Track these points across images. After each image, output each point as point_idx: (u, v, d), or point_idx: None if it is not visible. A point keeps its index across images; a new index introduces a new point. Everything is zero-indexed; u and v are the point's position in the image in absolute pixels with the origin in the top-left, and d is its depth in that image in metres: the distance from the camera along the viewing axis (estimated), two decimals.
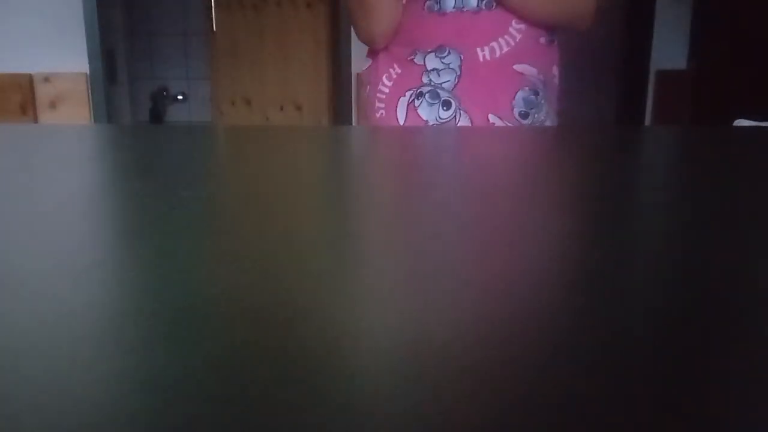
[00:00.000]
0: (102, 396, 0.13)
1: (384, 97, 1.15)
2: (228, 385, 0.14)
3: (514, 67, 1.09)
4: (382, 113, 1.15)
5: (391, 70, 1.14)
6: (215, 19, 3.74)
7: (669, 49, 2.85)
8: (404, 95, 1.13)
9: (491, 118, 1.10)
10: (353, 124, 2.91)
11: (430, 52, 1.09)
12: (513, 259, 0.23)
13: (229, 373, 0.14)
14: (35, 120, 2.92)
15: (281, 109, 3.77)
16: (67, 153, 0.52)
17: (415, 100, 1.11)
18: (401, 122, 1.13)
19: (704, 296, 0.20)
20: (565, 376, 0.14)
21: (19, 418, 0.12)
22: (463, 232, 0.27)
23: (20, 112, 2.95)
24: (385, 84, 1.15)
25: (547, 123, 1.15)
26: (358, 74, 2.88)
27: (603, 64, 3.04)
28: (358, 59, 2.79)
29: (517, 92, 1.10)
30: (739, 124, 1.09)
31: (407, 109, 1.13)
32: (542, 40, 1.11)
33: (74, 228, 0.28)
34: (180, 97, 4.12)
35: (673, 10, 2.81)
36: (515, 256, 0.24)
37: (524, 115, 1.10)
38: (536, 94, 1.11)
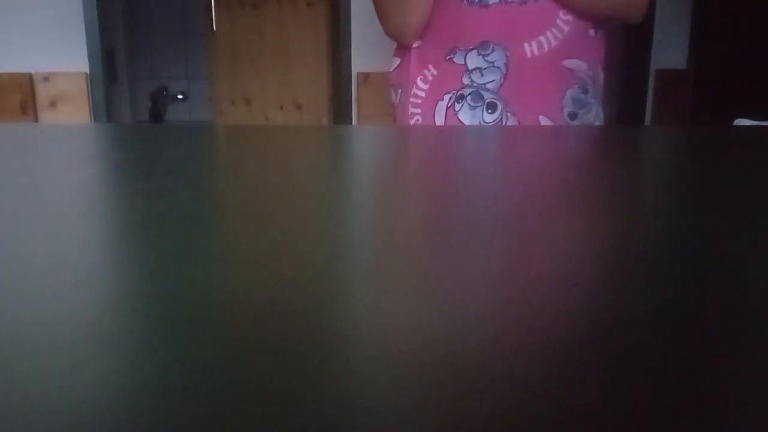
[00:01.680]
0: (102, 396, 0.13)
1: (419, 101, 1.04)
2: (228, 385, 0.14)
3: (564, 62, 0.98)
4: (417, 119, 1.03)
5: (425, 71, 1.03)
6: (215, 19, 3.74)
7: (669, 49, 2.85)
8: (442, 99, 1.02)
9: (542, 120, 0.99)
10: (353, 123, 2.91)
11: (471, 49, 0.98)
12: (513, 259, 0.23)
13: (230, 374, 0.14)
14: (35, 119, 2.92)
15: (281, 108, 3.77)
16: (67, 152, 0.52)
17: (456, 104, 1.00)
18: (440, 125, 1.01)
19: (705, 296, 0.20)
20: (576, 378, 0.14)
21: (19, 418, 0.12)
22: (466, 233, 0.27)
23: (20, 112, 2.95)
24: (420, 87, 1.03)
25: (596, 124, 1.03)
26: (358, 73, 2.88)
27: (603, 63, 3.03)
28: (358, 59, 2.79)
29: (567, 90, 0.99)
30: (739, 124, 1.09)
31: (446, 114, 1.01)
32: (591, 32, 1.00)
33: (74, 227, 0.28)
34: (180, 97, 4.12)
35: (673, 10, 2.81)
36: (515, 256, 0.24)
37: (573, 116, 1.00)
38: (585, 92, 1.01)
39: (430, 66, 1.02)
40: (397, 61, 1.08)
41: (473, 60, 0.99)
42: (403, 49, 1.05)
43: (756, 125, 1.07)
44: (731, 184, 0.39)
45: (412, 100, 1.05)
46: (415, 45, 1.03)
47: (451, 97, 1.01)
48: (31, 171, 0.43)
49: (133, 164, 0.46)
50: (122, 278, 0.21)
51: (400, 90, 1.08)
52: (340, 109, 3.42)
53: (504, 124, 0.98)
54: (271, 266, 0.22)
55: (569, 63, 0.99)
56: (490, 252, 0.24)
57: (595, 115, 1.02)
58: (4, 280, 0.21)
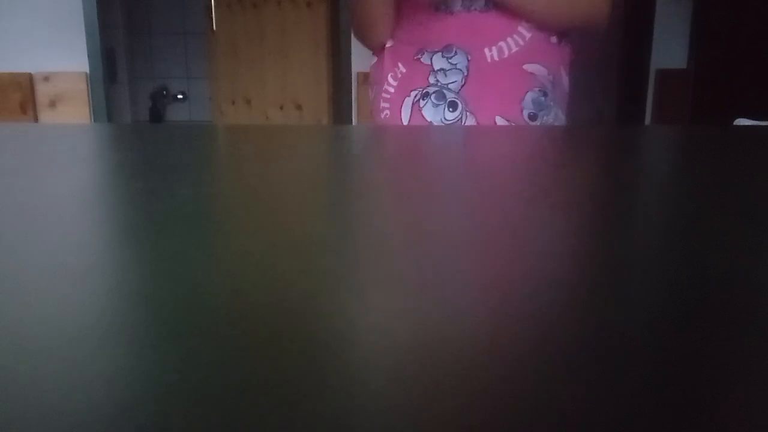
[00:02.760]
0: (101, 396, 0.13)
1: (389, 97, 1.12)
2: (230, 385, 0.14)
3: (524, 67, 1.05)
4: (387, 113, 1.11)
5: (396, 69, 1.10)
6: (215, 19, 3.74)
7: (669, 48, 2.85)
8: (409, 95, 1.09)
9: (498, 120, 1.06)
10: (353, 123, 2.91)
11: (437, 51, 1.06)
12: (512, 260, 0.23)
13: (231, 374, 0.14)
14: (35, 119, 2.92)
15: (281, 108, 3.77)
16: (66, 152, 0.52)
17: (420, 101, 1.08)
18: (405, 123, 1.09)
19: (705, 297, 0.20)
20: (575, 378, 0.14)
21: (20, 418, 0.12)
22: (465, 231, 0.27)
23: (20, 112, 2.95)
24: (391, 84, 1.11)
25: (552, 122, 1.11)
26: (358, 73, 2.88)
27: (603, 63, 3.04)
28: (358, 59, 2.79)
29: (526, 93, 1.06)
30: (739, 123, 1.09)
31: (412, 110, 1.09)
32: (553, 39, 1.07)
33: (74, 227, 0.28)
34: (180, 97, 4.12)
35: (673, 9, 2.81)
36: (514, 256, 0.24)
37: (533, 117, 1.06)
38: (545, 95, 1.07)
39: (400, 64, 1.10)
40: (375, 59, 1.16)
41: (438, 61, 1.06)
42: (380, 49, 1.13)
43: (756, 125, 1.07)
44: (731, 184, 0.39)
45: (383, 95, 1.12)
46: (388, 45, 1.11)
47: (417, 94, 1.08)
48: (30, 171, 0.43)
49: (133, 164, 0.46)
50: (122, 278, 0.21)
51: (375, 86, 1.15)
52: (340, 109, 3.42)
53: (463, 122, 1.06)
54: (271, 266, 0.22)
55: (529, 67, 1.05)
56: (490, 252, 0.24)
57: (554, 118, 1.08)
58: (3, 279, 0.21)
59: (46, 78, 2.94)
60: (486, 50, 1.04)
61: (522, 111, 1.06)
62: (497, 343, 0.16)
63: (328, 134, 0.69)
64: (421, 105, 1.08)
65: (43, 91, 2.96)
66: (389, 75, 1.11)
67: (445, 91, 1.06)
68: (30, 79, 2.94)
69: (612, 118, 3.03)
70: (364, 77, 2.68)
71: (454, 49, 1.05)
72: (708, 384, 0.14)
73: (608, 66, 3.06)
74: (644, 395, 0.13)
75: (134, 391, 0.14)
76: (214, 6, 3.72)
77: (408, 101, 1.09)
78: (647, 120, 2.88)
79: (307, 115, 3.72)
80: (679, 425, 0.12)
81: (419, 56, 1.07)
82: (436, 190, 0.37)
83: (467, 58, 1.05)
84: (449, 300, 0.19)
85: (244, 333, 0.17)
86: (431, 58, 1.07)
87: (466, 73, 1.05)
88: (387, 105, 1.11)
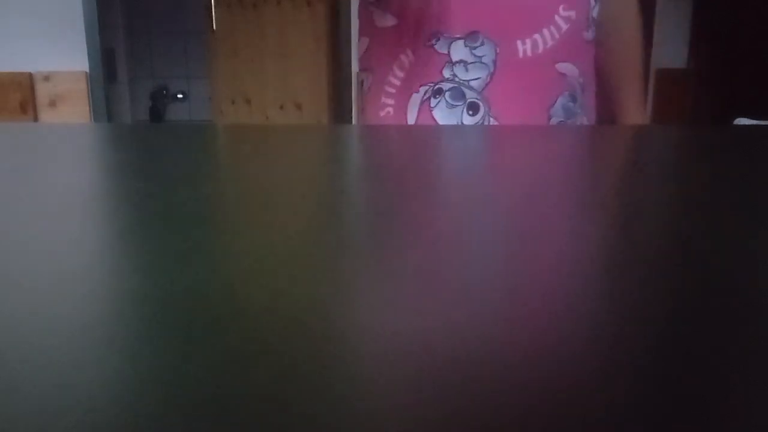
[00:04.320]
0: (101, 396, 0.13)
1: (393, 91, 0.87)
2: (229, 385, 0.14)
3: (556, 66, 0.85)
4: (389, 111, 0.88)
5: (402, 56, 0.86)
6: (215, 18, 3.74)
7: (669, 48, 2.85)
8: (418, 91, 0.85)
9: None
10: (353, 122, 2.91)
11: (457, 38, 0.83)
12: (511, 259, 0.23)
13: (232, 374, 0.14)
14: (35, 119, 2.92)
15: (281, 107, 3.77)
16: (66, 152, 0.52)
17: (432, 99, 0.85)
18: (410, 121, 0.88)
19: (704, 297, 0.20)
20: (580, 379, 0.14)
21: (19, 418, 0.12)
22: (468, 235, 0.27)
23: (20, 111, 2.95)
24: (396, 74, 0.87)
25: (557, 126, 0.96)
26: (357, 73, 2.89)
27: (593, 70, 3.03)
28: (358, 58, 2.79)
29: (557, 98, 0.86)
30: (739, 123, 1.09)
31: (420, 110, 0.86)
32: (586, 34, 0.88)
33: (73, 227, 0.28)
34: (180, 96, 4.12)
35: (673, 9, 2.81)
36: (514, 256, 0.24)
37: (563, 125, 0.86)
38: (574, 100, 0.88)
39: (408, 51, 0.86)
40: (365, 41, 0.91)
41: (458, 51, 0.83)
42: (372, 27, 0.89)
43: (756, 124, 1.07)
44: (731, 183, 0.39)
45: (386, 88, 0.88)
46: (390, 23, 0.87)
47: (427, 91, 0.85)
48: (30, 170, 0.43)
49: (133, 164, 0.46)
50: (121, 278, 0.21)
51: (370, 76, 0.91)
52: (339, 109, 3.42)
53: None
54: (270, 266, 0.22)
55: (561, 67, 0.86)
56: (490, 252, 0.24)
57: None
58: (2, 279, 0.21)
59: (46, 78, 2.94)
60: (519, 43, 0.83)
61: (549, 120, 0.88)
62: (508, 346, 0.16)
63: (329, 134, 0.69)
64: (432, 104, 0.85)
65: (43, 91, 2.96)
66: (394, 64, 0.87)
67: (464, 89, 0.84)
68: (30, 78, 2.94)
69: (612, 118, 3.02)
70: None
71: (481, 38, 0.83)
72: (715, 385, 0.14)
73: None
74: (667, 401, 0.13)
75: (134, 392, 0.13)
76: (214, 6, 3.72)
77: (416, 98, 0.86)
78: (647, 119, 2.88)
79: (307, 115, 3.72)
80: (686, 427, 0.12)
81: (433, 42, 0.84)
82: (441, 192, 0.36)
83: (495, 51, 0.83)
84: (453, 303, 0.19)
85: (244, 333, 0.17)
86: (449, 46, 0.83)
87: (492, 69, 0.83)
88: (390, 102, 0.88)
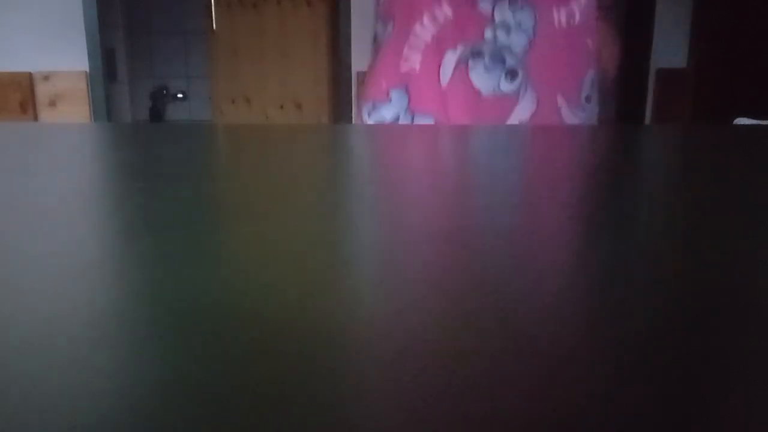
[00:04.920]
0: (101, 397, 0.13)
1: (422, 46, 0.82)
2: (229, 386, 0.14)
3: (587, 41, 0.85)
4: (413, 68, 0.82)
5: (437, 8, 0.80)
6: (215, 18, 3.74)
7: (669, 48, 2.85)
8: (455, 49, 0.80)
9: (559, 101, 0.84)
10: (353, 122, 2.91)
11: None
12: (511, 259, 0.23)
13: (232, 374, 0.14)
14: (35, 118, 2.92)
15: (281, 107, 3.77)
16: (66, 152, 0.52)
17: (470, 60, 0.80)
18: (444, 85, 0.82)
19: (705, 297, 0.19)
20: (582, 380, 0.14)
21: (19, 419, 0.12)
22: (466, 232, 0.27)
23: (20, 111, 2.95)
24: (426, 26, 0.81)
25: (597, 112, 0.91)
26: (357, 73, 2.88)
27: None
28: (358, 58, 2.79)
29: (587, 71, 0.85)
30: (739, 123, 1.09)
31: (455, 71, 0.81)
32: (596, 18, 0.88)
33: (73, 227, 0.28)
34: (180, 96, 4.12)
35: (673, 9, 2.81)
36: (513, 256, 0.24)
37: (588, 99, 0.87)
38: (598, 77, 0.89)
39: (443, 3, 0.80)
40: None
41: (502, 12, 0.80)
42: None
43: (756, 124, 1.07)
44: (732, 183, 0.39)
45: (411, 39, 0.82)
46: None
47: (464, 51, 0.80)
48: (30, 170, 0.43)
49: (133, 163, 0.46)
50: (121, 278, 0.21)
51: (390, 24, 0.85)
52: (339, 109, 3.42)
53: (520, 96, 0.82)
54: (270, 266, 0.22)
55: (590, 43, 0.86)
56: (491, 252, 0.24)
57: (597, 104, 0.91)
58: (2, 279, 0.21)
59: (46, 77, 2.94)
60: (554, 11, 0.81)
61: (580, 92, 0.86)
62: (509, 346, 0.16)
63: (329, 134, 0.69)
64: (470, 65, 0.81)
65: (43, 91, 2.95)
66: (424, 15, 0.81)
67: (505, 54, 0.81)
68: (30, 78, 2.94)
69: (612, 117, 3.03)
70: (364, 77, 2.68)
71: (520, 2, 0.80)
72: (709, 386, 0.14)
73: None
74: (667, 403, 0.13)
75: (133, 392, 0.13)
76: (214, 6, 3.72)
77: (450, 57, 0.81)
78: (647, 119, 2.88)
79: (307, 114, 3.72)
80: (680, 426, 0.12)
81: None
82: (441, 193, 0.36)
83: (534, 17, 0.80)
84: (453, 303, 0.19)
85: (244, 333, 0.16)
86: (493, 5, 0.80)
87: (532, 36, 0.81)
88: (416, 57, 0.82)
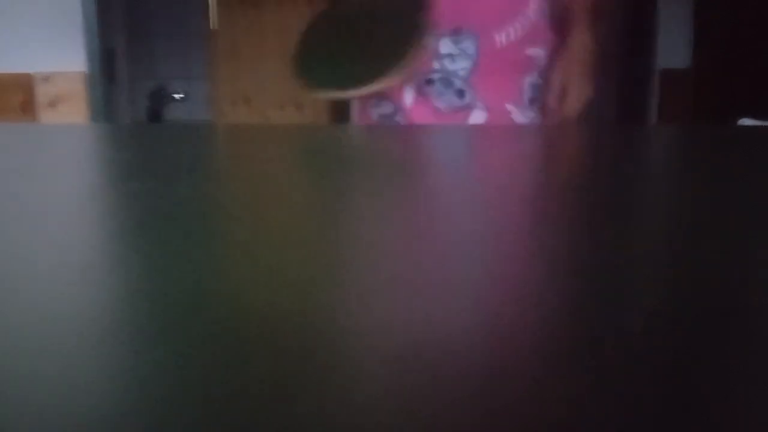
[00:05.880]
0: (101, 397, 0.13)
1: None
2: (229, 386, 0.13)
3: (527, 51, 1.00)
4: (382, 104, 1.03)
5: None
6: (215, 19, 3.75)
7: (673, 48, 2.85)
8: (411, 79, 1.00)
9: (509, 107, 1.01)
10: (353, 122, 2.92)
11: (444, 35, 0.97)
12: (510, 259, 0.23)
13: (231, 375, 0.14)
14: (35, 119, 2.92)
15: (281, 108, 3.78)
16: (66, 152, 0.52)
17: (424, 87, 1.00)
18: (408, 105, 1.02)
19: (705, 297, 0.19)
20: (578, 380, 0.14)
21: (19, 419, 0.12)
22: (472, 235, 0.27)
23: (20, 112, 2.96)
24: None
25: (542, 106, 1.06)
26: None
27: (606, 62, 3.04)
28: None
29: (526, 78, 1.02)
30: (743, 123, 1.09)
31: (416, 94, 1.01)
32: (547, 20, 1.03)
33: (72, 227, 0.28)
34: (180, 97, 4.12)
35: (676, 9, 2.81)
36: (512, 256, 0.23)
37: (533, 101, 1.03)
38: (541, 78, 1.04)
39: None
40: None
41: (446, 44, 0.98)
42: None
43: (760, 125, 1.07)
44: (735, 184, 0.39)
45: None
46: None
47: (419, 80, 1.00)
48: (30, 171, 0.43)
49: (133, 164, 0.46)
50: (121, 279, 0.21)
51: None
52: (339, 109, 3.42)
53: (472, 110, 1.00)
54: (270, 265, 0.22)
55: (531, 51, 1.01)
56: (491, 252, 0.24)
57: (542, 99, 1.06)
58: (2, 279, 0.21)
59: (46, 78, 2.94)
60: (495, 34, 0.97)
61: (523, 96, 1.02)
62: (509, 346, 0.15)
63: (329, 134, 0.69)
64: (426, 91, 1.00)
65: (42, 92, 2.96)
66: None
67: (452, 78, 0.99)
68: (30, 79, 2.95)
69: (615, 117, 3.04)
70: None
71: (464, 33, 0.97)
72: (709, 386, 0.13)
73: (612, 65, 3.06)
74: (663, 402, 0.13)
75: (133, 392, 0.13)
76: (214, 5, 3.73)
77: (409, 86, 1.01)
78: (651, 120, 2.88)
79: (308, 115, 3.72)
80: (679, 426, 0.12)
81: None
82: (441, 193, 0.36)
83: (476, 43, 0.97)
84: (453, 303, 0.19)
85: (243, 334, 0.16)
86: (439, 41, 0.98)
87: (476, 57, 0.98)
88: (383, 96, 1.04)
